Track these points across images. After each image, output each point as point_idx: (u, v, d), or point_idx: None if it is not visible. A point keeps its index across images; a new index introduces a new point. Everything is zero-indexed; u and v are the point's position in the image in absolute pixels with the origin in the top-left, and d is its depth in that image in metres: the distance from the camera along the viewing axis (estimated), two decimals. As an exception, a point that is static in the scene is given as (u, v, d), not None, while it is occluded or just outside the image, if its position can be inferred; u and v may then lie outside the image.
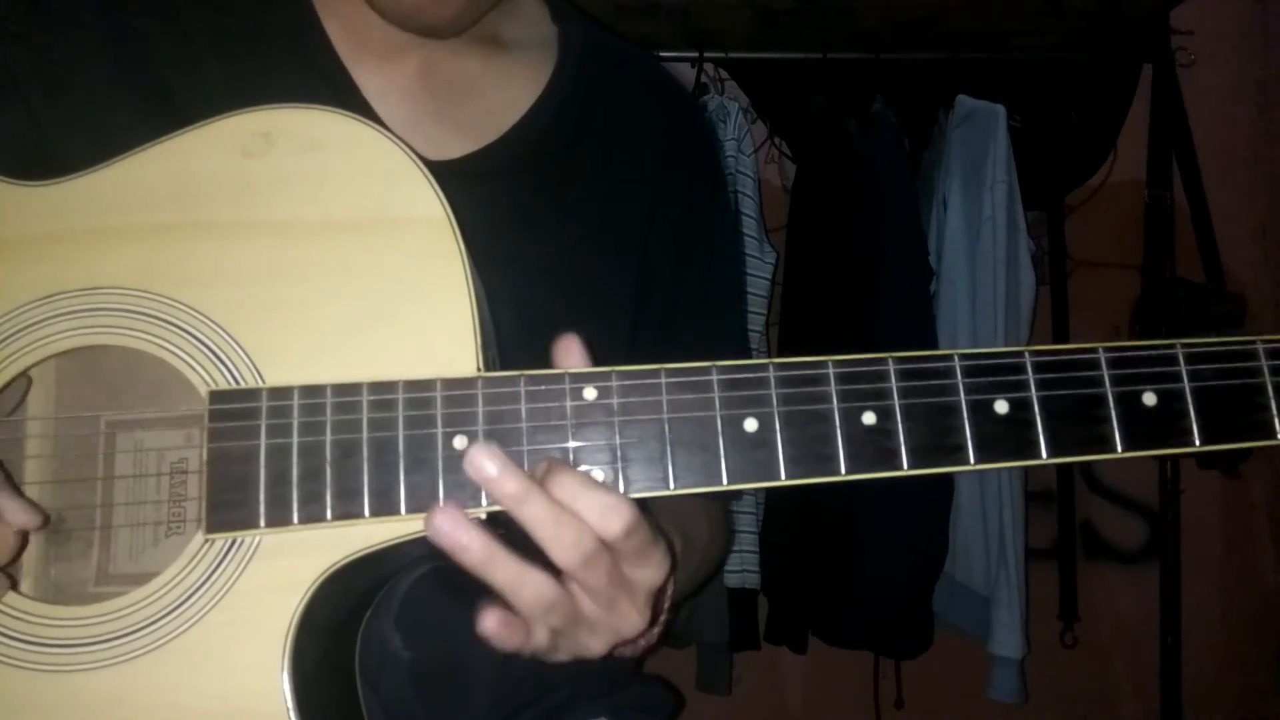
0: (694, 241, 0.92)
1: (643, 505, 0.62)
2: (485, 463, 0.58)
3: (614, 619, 0.64)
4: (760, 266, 2.26)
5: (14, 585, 0.63)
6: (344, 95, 0.79)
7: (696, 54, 2.34)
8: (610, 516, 0.59)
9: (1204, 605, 2.63)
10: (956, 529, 2.31)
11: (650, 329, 0.89)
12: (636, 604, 0.64)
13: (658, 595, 0.67)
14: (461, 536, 0.58)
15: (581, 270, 0.85)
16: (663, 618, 0.78)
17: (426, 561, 0.75)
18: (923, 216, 2.35)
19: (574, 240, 0.85)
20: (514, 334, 0.72)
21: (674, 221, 0.91)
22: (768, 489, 2.41)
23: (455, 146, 0.81)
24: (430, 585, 0.77)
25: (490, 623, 0.61)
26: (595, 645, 0.66)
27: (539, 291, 0.81)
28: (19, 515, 0.60)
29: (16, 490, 0.62)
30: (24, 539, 0.62)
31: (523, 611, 0.61)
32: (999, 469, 2.20)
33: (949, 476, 2.25)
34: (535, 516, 0.58)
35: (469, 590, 0.79)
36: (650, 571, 0.63)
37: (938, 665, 2.44)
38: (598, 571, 0.61)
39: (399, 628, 0.76)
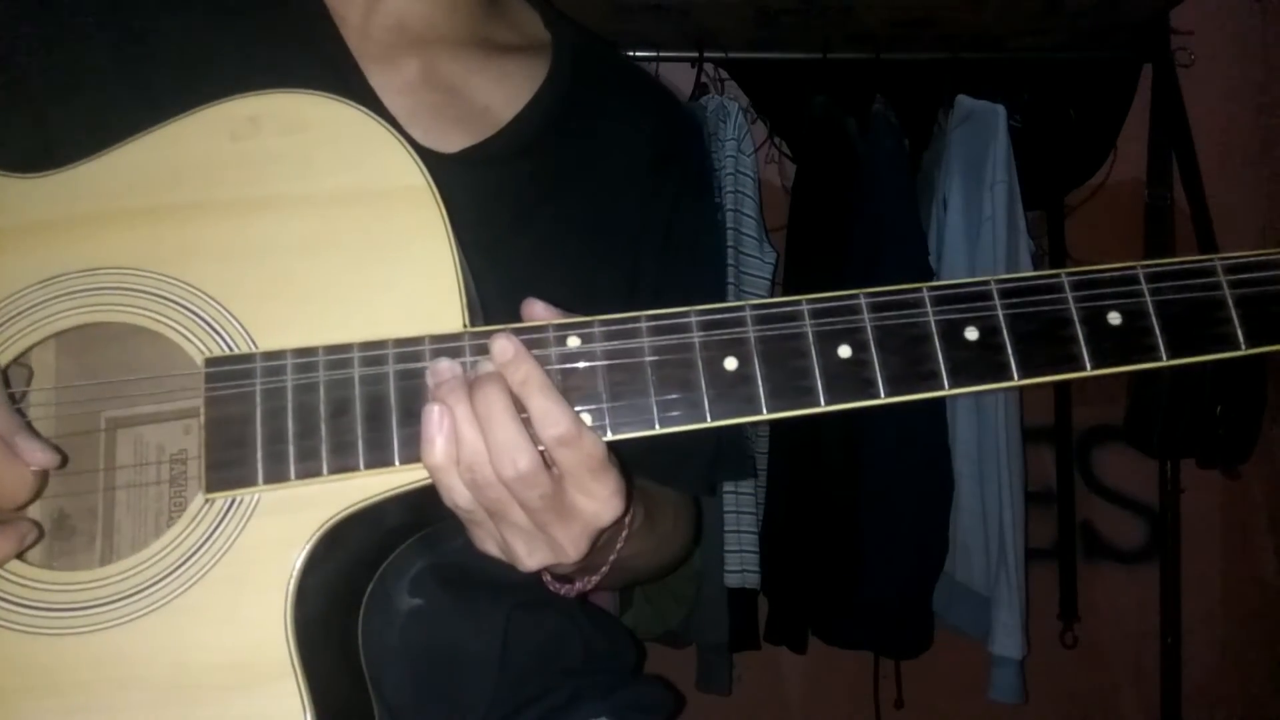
0: (679, 243, 0.94)
1: (613, 450, 0.63)
2: (443, 369, 0.61)
3: (545, 538, 0.64)
4: (760, 266, 2.26)
5: (41, 534, 0.65)
6: (356, 91, 0.80)
7: (696, 54, 2.34)
8: (548, 421, 0.60)
9: (1204, 605, 2.63)
10: (956, 529, 2.31)
11: None
12: (571, 533, 0.64)
13: (598, 534, 0.66)
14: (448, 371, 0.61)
15: (573, 262, 0.87)
16: (604, 569, 0.78)
17: (419, 558, 0.76)
18: (923, 216, 2.35)
19: (566, 233, 0.87)
20: (504, 321, 0.73)
21: (661, 222, 0.93)
22: (767, 488, 2.39)
23: (454, 140, 0.83)
24: (426, 583, 0.77)
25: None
26: (524, 555, 0.65)
27: (530, 280, 0.81)
28: (37, 454, 0.62)
29: (32, 431, 0.63)
30: (43, 480, 0.63)
31: (459, 455, 0.61)
32: (997, 466, 2.22)
33: (949, 476, 2.25)
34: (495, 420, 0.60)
35: (465, 585, 0.79)
36: (594, 504, 0.63)
37: (938, 665, 2.44)
38: (533, 493, 0.61)
39: (396, 627, 0.77)
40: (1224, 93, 2.64)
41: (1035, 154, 2.39)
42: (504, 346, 0.61)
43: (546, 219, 0.86)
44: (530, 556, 0.65)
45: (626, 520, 0.73)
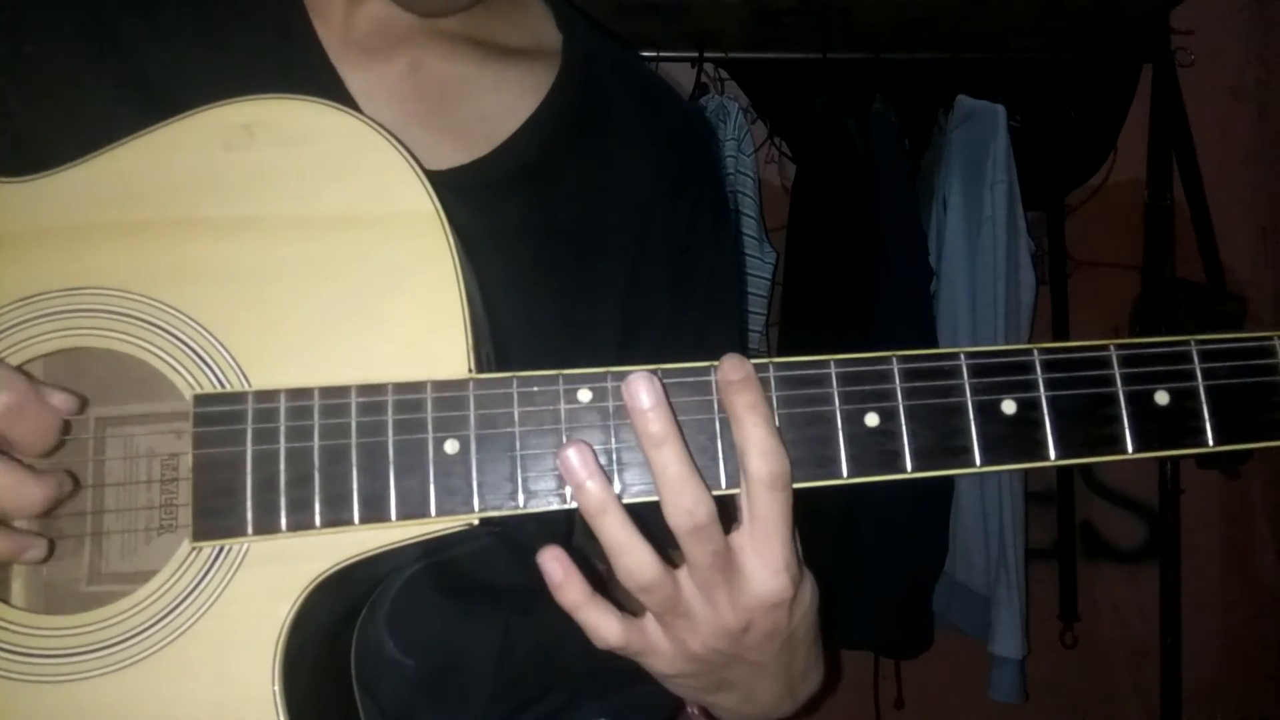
0: (694, 272, 0.88)
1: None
2: (643, 394, 0.56)
3: (709, 613, 0.59)
4: (760, 266, 2.26)
5: (50, 552, 0.62)
6: (330, 94, 0.75)
7: (696, 54, 2.33)
8: (768, 454, 0.56)
9: (1204, 605, 2.63)
10: (956, 529, 2.31)
11: (642, 360, 0.86)
12: (736, 602, 0.59)
13: (763, 615, 0.60)
14: (584, 474, 0.56)
15: (563, 294, 0.81)
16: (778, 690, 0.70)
17: (417, 561, 0.73)
18: (923, 216, 2.35)
19: (558, 263, 0.81)
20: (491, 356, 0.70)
21: (674, 250, 0.87)
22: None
23: (444, 156, 0.77)
24: (422, 585, 0.76)
25: (549, 558, 0.58)
26: (693, 643, 0.61)
27: (516, 315, 0.78)
28: (59, 399, 0.59)
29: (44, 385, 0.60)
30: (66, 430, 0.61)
31: (619, 578, 0.58)
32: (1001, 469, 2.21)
33: (949, 476, 2.24)
34: (667, 464, 0.56)
35: (461, 589, 0.78)
36: (766, 573, 0.58)
37: (938, 665, 2.44)
38: (704, 548, 0.57)
39: (391, 631, 0.75)
40: (1224, 93, 2.64)
41: (1035, 154, 2.38)
42: (733, 370, 0.57)
43: (540, 248, 0.80)
44: (699, 643, 0.61)
45: (791, 613, 0.63)
